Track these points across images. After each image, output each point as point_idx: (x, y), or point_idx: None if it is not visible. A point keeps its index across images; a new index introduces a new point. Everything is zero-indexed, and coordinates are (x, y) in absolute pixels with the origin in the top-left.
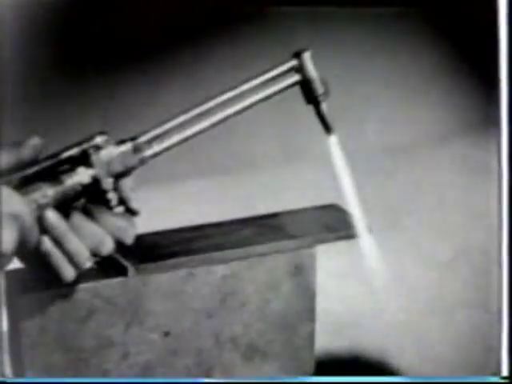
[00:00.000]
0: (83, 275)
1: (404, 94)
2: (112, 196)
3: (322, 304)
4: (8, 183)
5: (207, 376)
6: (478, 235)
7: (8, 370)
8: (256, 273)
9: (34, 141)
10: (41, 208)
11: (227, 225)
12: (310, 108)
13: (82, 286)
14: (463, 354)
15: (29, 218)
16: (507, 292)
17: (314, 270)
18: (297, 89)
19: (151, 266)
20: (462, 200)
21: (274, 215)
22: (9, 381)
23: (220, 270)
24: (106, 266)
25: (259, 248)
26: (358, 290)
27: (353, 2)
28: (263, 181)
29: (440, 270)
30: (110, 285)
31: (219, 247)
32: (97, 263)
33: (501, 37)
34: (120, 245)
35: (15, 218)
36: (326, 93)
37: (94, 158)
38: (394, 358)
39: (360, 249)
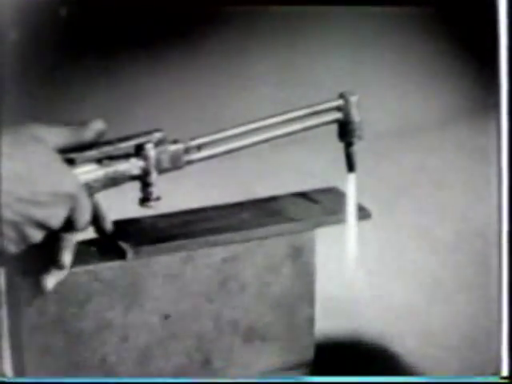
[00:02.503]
0: (82, 258)
1: (404, 80)
2: (154, 190)
3: (321, 287)
4: (67, 161)
5: (206, 359)
6: (477, 219)
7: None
8: (256, 256)
9: (98, 124)
10: (91, 191)
11: (227, 208)
12: (310, 93)
13: (81, 268)
14: (464, 337)
15: (84, 200)
16: (507, 275)
17: (314, 253)
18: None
19: (150, 248)
20: (462, 184)
21: (274, 198)
22: (9, 381)
23: (219, 252)
24: (106, 249)
25: (259, 231)
26: (357, 273)
27: None
28: (263, 164)
29: (440, 253)
30: (109, 268)
31: (219, 230)
32: (96, 246)
33: (500, 21)
34: (119, 227)
35: (70, 197)
36: (361, 136)
37: (148, 152)
38: (394, 342)
39: (360, 232)
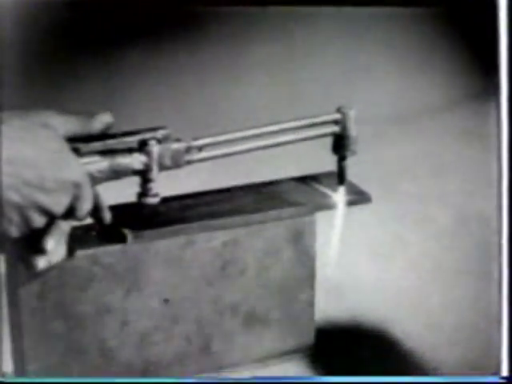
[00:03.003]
0: (82, 242)
1: (405, 65)
2: (153, 186)
3: (321, 271)
4: (73, 150)
5: (206, 343)
6: (478, 204)
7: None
8: (256, 240)
9: (106, 117)
10: (93, 181)
11: (227, 192)
12: (310, 79)
13: (81, 253)
14: (464, 321)
15: (87, 189)
16: (507, 260)
17: (314, 237)
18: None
19: (150, 232)
20: (461, 169)
21: (274, 182)
22: (9, 381)
23: (220, 237)
24: (106, 233)
25: (259, 215)
26: (358, 257)
27: None
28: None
29: (440, 237)
30: (109, 252)
31: (219, 214)
32: (96, 230)
33: (500, 6)
34: (119, 212)
35: (75, 186)
36: (355, 151)
37: (151, 148)
38: (395, 326)
39: (360, 216)
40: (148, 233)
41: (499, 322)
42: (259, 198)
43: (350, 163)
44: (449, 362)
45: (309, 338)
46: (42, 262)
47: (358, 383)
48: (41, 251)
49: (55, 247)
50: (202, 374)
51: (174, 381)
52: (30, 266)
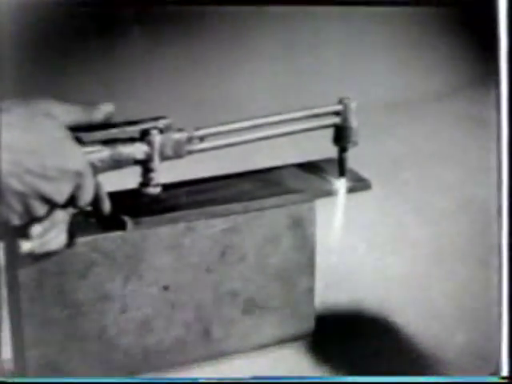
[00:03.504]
0: (82, 229)
1: (404, 51)
2: (155, 176)
3: (321, 258)
4: (75, 139)
5: (206, 330)
6: (477, 190)
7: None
8: (255, 226)
9: (108, 107)
10: (95, 171)
11: (226, 179)
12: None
13: (81, 239)
14: (464, 309)
15: (89, 178)
16: (507, 246)
17: (314, 224)
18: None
19: (150, 219)
20: (461, 155)
21: (273, 169)
22: (9, 381)
23: (219, 223)
24: (105, 220)
25: (259, 202)
26: (358, 244)
27: None
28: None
29: (439, 223)
30: (109, 238)
31: (218, 201)
32: (96, 217)
33: None
34: (119, 199)
35: (77, 175)
36: (356, 142)
37: (153, 138)
38: (395, 313)
39: (359, 202)
40: (148, 220)
41: (499, 306)
42: (259, 184)
43: (351, 150)
44: (449, 348)
45: (309, 324)
46: (25, 246)
47: (358, 383)
48: (26, 236)
49: (42, 234)
50: (201, 361)
51: (174, 381)
52: (17, 247)
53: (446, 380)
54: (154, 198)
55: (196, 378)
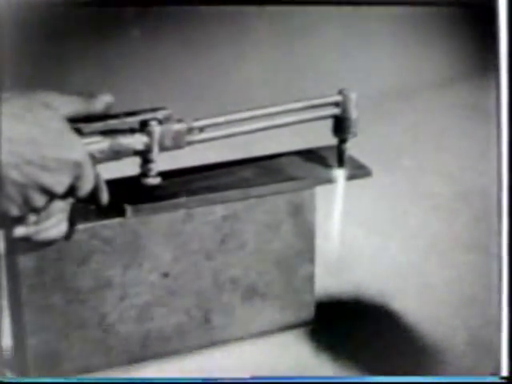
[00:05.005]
0: (81, 216)
1: (404, 40)
2: (154, 166)
3: (321, 245)
4: (75, 130)
5: (206, 317)
6: (477, 178)
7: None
8: (255, 213)
9: (108, 98)
10: (94, 161)
11: (227, 166)
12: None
13: (80, 226)
14: (463, 296)
15: (89, 169)
16: (506, 234)
17: (314, 211)
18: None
19: (150, 206)
20: (461, 143)
21: (274, 156)
22: (9, 381)
23: (219, 210)
24: (105, 207)
25: (259, 189)
26: (357, 231)
27: None
28: None
29: (439, 212)
30: (109, 225)
31: (218, 188)
32: (95, 204)
33: None
34: (118, 186)
35: (77, 165)
36: (355, 133)
37: (153, 129)
38: (395, 300)
39: (359, 190)
40: (147, 207)
41: (499, 293)
42: (259, 171)
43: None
44: (448, 335)
45: (309, 311)
46: (19, 231)
47: (358, 383)
48: (19, 221)
49: (37, 220)
50: (201, 348)
51: (174, 381)
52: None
53: (446, 380)
54: (154, 185)
55: (196, 378)
